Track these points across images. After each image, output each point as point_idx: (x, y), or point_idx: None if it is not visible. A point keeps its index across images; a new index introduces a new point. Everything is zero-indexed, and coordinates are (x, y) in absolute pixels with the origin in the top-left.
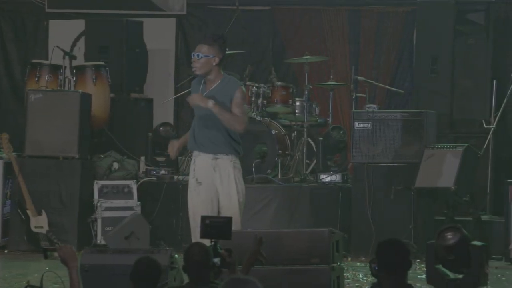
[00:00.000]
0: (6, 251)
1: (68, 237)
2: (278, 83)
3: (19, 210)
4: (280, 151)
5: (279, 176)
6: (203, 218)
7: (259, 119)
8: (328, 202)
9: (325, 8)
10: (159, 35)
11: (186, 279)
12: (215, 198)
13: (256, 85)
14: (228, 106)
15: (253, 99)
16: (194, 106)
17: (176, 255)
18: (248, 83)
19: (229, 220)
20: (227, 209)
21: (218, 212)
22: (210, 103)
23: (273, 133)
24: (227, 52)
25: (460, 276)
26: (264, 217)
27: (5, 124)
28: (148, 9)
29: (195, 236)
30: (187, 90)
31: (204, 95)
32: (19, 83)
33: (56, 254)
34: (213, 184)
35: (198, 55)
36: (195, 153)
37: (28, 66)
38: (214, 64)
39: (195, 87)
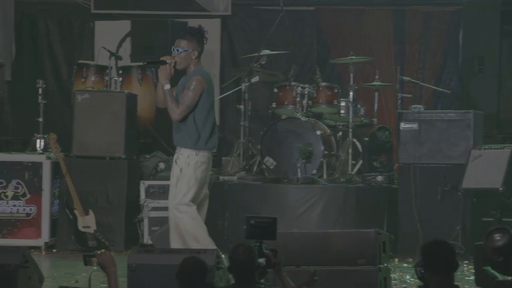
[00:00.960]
0: (54, 250)
1: (115, 237)
2: (323, 84)
3: (67, 210)
4: (326, 152)
5: (325, 176)
6: (248, 218)
7: (304, 120)
8: (374, 202)
9: (370, 8)
10: None
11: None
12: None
13: (301, 85)
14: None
15: (298, 99)
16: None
17: (222, 255)
18: (293, 83)
19: (274, 220)
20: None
21: None
22: (166, 86)
23: (318, 133)
24: (272, 53)
25: (509, 278)
26: (310, 218)
27: (52, 124)
28: (193, 10)
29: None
30: (232, 91)
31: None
32: (66, 83)
33: (95, 260)
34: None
35: (177, 50)
36: None
37: (75, 67)
38: (193, 57)
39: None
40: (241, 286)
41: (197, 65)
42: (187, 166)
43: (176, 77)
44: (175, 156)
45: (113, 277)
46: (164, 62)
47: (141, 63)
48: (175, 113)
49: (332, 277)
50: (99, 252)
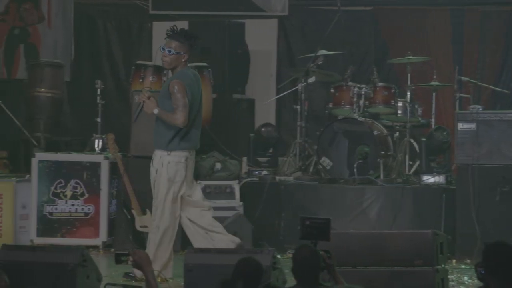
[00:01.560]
0: (112, 249)
1: None
2: (380, 84)
3: (124, 210)
4: (382, 152)
5: (381, 177)
6: (303, 219)
7: (361, 120)
8: (432, 203)
9: (428, 8)
10: (260, 36)
11: (289, 279)
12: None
13: (358, 85)
14: (165, 95)
15: (354, 99)
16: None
17: (278, 256)
18: (349, 83)
19: (328, 221)
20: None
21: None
22: (155, 111)
23: (375, 133)
24: (329, 53)
25: None
26: (366, 219)
27: (110, 124)
28: (250, 10)
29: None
30: (289, 91)
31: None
32: (124, 84)
33: (130, 259)
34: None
35: (169, 51)
36: None
37: (133, 67)
38: (183, 60)
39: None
40: (303, 287)
41: (183, 67)
42: (161, 167)
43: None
44: (152, 158)
45: (151, 275)
46: (141, 106)
47: (198, 64)
48: (177, 119)
49: (389, 278)
50: (133, 250)
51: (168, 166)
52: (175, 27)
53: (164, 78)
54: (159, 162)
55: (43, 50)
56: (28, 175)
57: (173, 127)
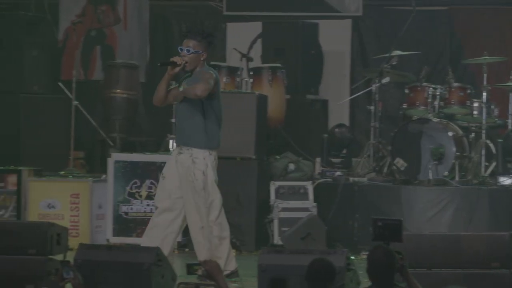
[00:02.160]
0: (186, 249)
1: (245, 237)
2: (455, 84)
3: None
4: (458, 153)
5: (457, 178)
6: (375, 220)
7: (435, 121)
8: (508, 205)
9: (504, 7)
10: (334, 37)
11: (363, 280)
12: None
13: (433, 86)
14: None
15: (429, 100)
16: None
17: (352, 257)
18: (424, 84)
19: (400, 222)
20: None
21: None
22: (181, 88)
23: (450, 134)
24: (403, 53)
25: None
26: (441, 220)
27: None
28: (324, 11)
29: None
30: (362, 92)
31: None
32: None
33: (200, 269)
34: (176, 178)
35: (188, 50)
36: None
37: None
38: (202, 59)
39: (181, 79)
40: None
41: (202, 66)
42: (206, 168)
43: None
44: (184, 157)
45: (223, 283)
46: (175, 64)
47: (271, 64)
48: (197, 88)
49: (464, 280)
50: (205, 260)
51: (212, 166)
52: (190, 27)
53: (238, 79)
54: (203, 163)
55: (119, 51)
56: (104, 175)
57: (215, 124)
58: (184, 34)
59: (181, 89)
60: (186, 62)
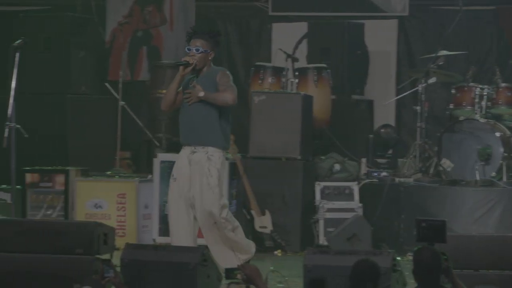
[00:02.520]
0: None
1: (290, 238)
2: (503, 84)
3: (244, 210)
4: (505, 154)
5: (504, 179)
6: (419, 221)
7: (482, 121)
8: None
9: None
10: (380, 37)
11: (409, 281)
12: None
13: (480, 86)
14: (212, 90)
15: (476, 100)
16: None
17: (398, 258)
18: (471, 84)
19: (444, 222)
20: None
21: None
22: (200, 94)
23: (497, 135)
24: (450, 53)
25: None
26: (488, 221)
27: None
28: (370, 11)
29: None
30: (408, 92)
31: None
32: (243, 85)
33: (239, 273)
34: (188, 179)
35: (197, 49)
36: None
37: (252, 68)
38: (210, 58)
39: (185, 80)
40: None
41: (210, 66)
42: (221, 168)
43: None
44: (199, 155)
45: (263, 286)
46: (188, 64)
47: (317, 65)
48: (228, 97)
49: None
50: (242, 265)
51: (225, 166)
52: (195, 27)
53: (283, 79)
54: (219, 161)
55: (165, 52)
56: (150, 175)
57: (228, 124)
58: (190, 33)
59: (201, 94)
60: (196, 62)
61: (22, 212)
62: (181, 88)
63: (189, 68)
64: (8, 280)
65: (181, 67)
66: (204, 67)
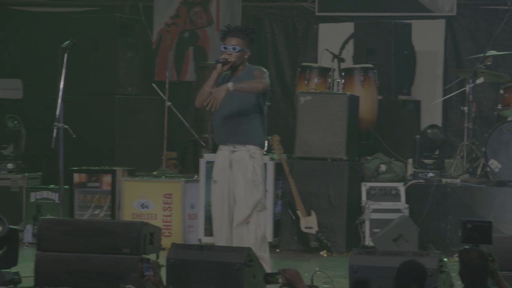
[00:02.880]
0: (277, 250)
1: (336, 238)
2: None
3: (289, 211)
4: None
5: None
6: (464, 222)
7: None
8: None
9: None
10: (427, 37)
11: (456, 283)
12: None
13: None
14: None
15: None
16: (221, 101)
17: (445, 259)
18: None
19: (490, 224)
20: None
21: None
22: (229, 86)
23: None
24: (498, 53)
25: None
26: None
27: (276, 126)
28: (417, 11)
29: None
30: (456, 92)
31: (230, 81)
32: (290, 86)
33: (280, 278)
34: (229, 180)
35: (234, 48)
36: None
37: (298, 69)
38: (245, 56)
39: (219, 80)
40: None
41: (245, 65)
42: (263, 166)
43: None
44: (241, 154)
45: None
46: (228, 62)
47: (363, 65)
48: (257, 84)
49: None
50: (283, 269)
51: (258, 162)
52: (229, 25)
53: (329, 80)
54: (261, 160)
55: (212, 52)
56: (196, 176)
57: (265, 122)
58: (225, 31)
59: (229, 87)
60: (233, 60)
61: (69, 212)
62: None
63: (227, 66)
64: (60, 279)
65: (219, 65)
66: (240, 66)
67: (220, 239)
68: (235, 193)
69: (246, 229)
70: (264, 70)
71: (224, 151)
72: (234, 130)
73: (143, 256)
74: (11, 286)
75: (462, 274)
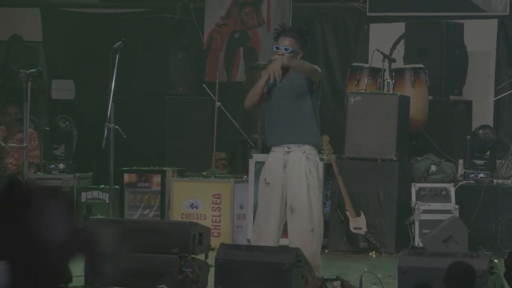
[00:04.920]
0: (326, 250)
1: (385, 239)
2: None
3: (338, 211)
4: None
5: None
6: None
7: None
8: None
9: None
10: (479, 37)
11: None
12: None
13: None
14: (304, 85)
15: None
16: (276, 75)
17: (495, 260)
18: None
19: None
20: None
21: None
22: (284, 60)
23: None
24: None
25: None
26: None
27: (326, 126)
28: (470, 11)
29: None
30: (508, 92)
31: (282, 82)
32: (340, 86)
33: (338, 284)
34: (283, 183)
35: (286, 49)
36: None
37: (349, 69)
38: (298, 58)
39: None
40: None
41: None
42: (320, 167)
43: None
44: (296, 154)
45: None
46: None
47: (414, 65)
48: (313, 66)
49: None
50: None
51: (322, 166)
52: (283, 24)
53: (380, 80)
54: (317, 161)
55: (262, 53)
56: (245, 176)
57: (319, 121)
58: (279, 31)
59: (284, 60)
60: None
61: (119, 212)
62: (266, 88)
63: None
64: (110, 278)
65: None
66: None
67: (259, 238)
68: (288, 196)
69: (309, 236)
70: (317, 67)
71: (277, 152)
72: (288, 130)
73: (193, 256)
74: (62, 285)
75: (506, 277)
